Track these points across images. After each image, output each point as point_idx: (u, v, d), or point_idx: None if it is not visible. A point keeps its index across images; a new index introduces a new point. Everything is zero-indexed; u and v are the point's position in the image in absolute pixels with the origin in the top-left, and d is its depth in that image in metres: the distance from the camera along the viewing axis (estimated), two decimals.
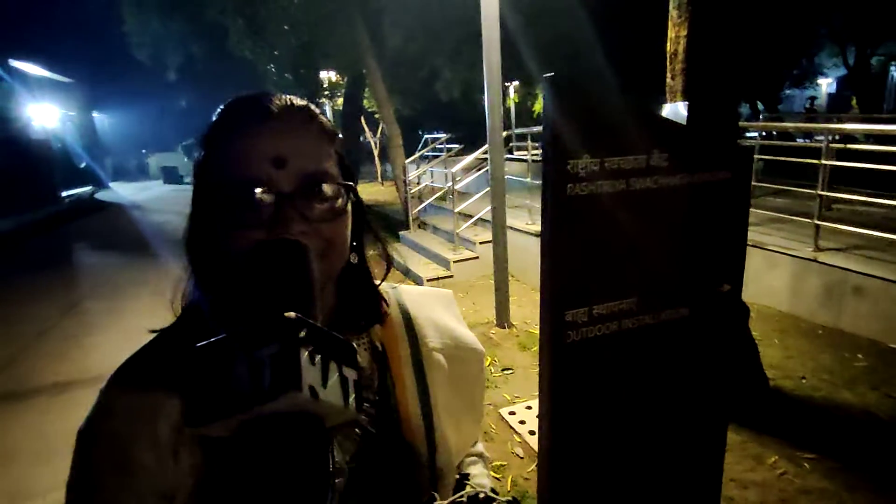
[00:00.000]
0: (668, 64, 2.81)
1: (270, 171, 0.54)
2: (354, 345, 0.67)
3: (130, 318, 5.42)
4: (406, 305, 0.76)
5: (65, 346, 4.81)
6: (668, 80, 2.80)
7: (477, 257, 5.99)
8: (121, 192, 20.21)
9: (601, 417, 1.17)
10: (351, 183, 0.61)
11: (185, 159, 26.43)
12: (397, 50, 12.19)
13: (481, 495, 0.64)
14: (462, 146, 8.96)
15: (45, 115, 16.96)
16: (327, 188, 0.58)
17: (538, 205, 5.69)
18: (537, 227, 5.55)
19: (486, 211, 6.06)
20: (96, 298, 6.33)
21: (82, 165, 20.01)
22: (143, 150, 30.10)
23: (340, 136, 0.63)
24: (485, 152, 6.08)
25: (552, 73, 0.96)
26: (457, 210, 6.12)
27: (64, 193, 16.21)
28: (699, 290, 1.20)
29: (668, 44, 2.77)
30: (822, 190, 4.23)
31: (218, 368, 0.39)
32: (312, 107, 0.61)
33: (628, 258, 1.12)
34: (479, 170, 7.29)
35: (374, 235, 0.71)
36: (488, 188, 6.37)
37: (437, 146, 9.96)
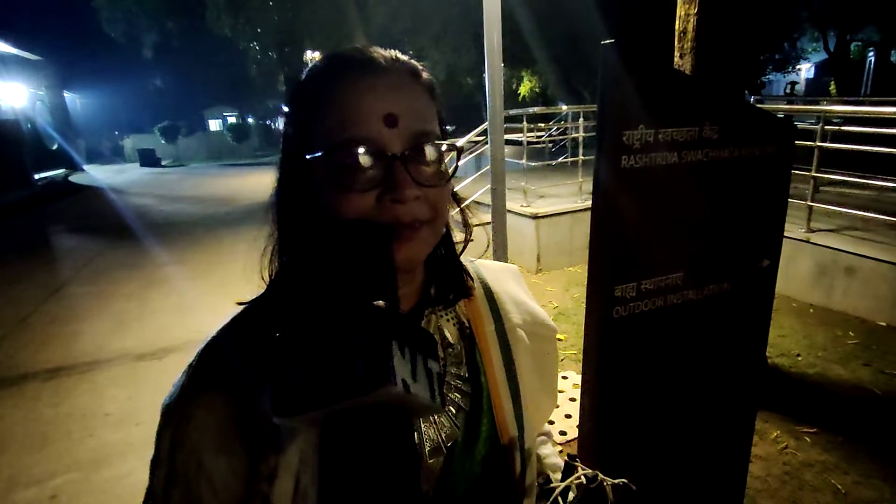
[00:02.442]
0: (676, 43, 2.78)
1: (382, 129, 0.51)
2: (444, 320, 0.66)
3: (117, 303, 5.30)
4: (486, 279, 0.73)
5: (50, 332, 4.66)
6: (676, 59, 2.78)
7: (471, 240, 5.97)
8: (96, 175, 19.57)
9: (642, 391, 1.17)
10: (460, 145, 0.57)
11: (163, 141, 25.74)
12: (383, 30, 11.97)
13: (598, 478, 0.63)
14: (454, 128, 8.86)
15: (14, 94, 16.27)
16: (437, 150, 0.54)
17: (534, 187, 5.65)
18: (533, 210, 5.55)
19: (479, 193, 6.03)
20: (79, 283, 6.14)
21: (54, 147, 19.32)
22: (117, 132, 29.19)
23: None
24: (478, 135, 6.02)
25: (612, 40, 0.93)
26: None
27: (36, 176, 15.64)
28: (740, 265, 1.20)
29: (677, 21, 2.74)
30: (815, 172, 4.29)
31: (307, 357, 0.37)
32: (415, 63, 0.57)
33: (676, 232, 1.10)
34: (472, 153, 7.23)
35: (457, 203, 0.67)
36: (480, 171, 6.34)
37: None
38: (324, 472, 0.50)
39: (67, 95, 24.78)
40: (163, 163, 23.62)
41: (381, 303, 0.41)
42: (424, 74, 0.57)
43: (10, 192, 13.14)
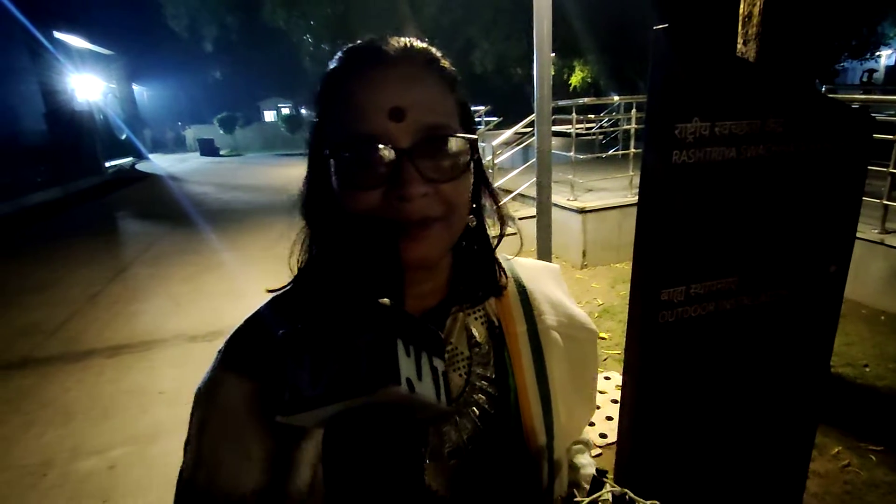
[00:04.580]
0: (740, 28, 2.61)
1: (387, 124, 0.49)
2: (472, 318, 0.63)
3: (175, 285, 5.58)
4: (521, 278, 0.70)
5: (114, 311, 4.97)
6: (740, 45, 2.61)
7: (515, 233, 5.87)
8: (159, 163, 20.68)
9: (688, 401, 1.10)
10: (475, 136, 0.54)
11: (221, 132, 26.87)
12: (433, 20, 11.94)
13: (627, 497, 0.58)
14: (501, 118, 8.75)
15: (88, 86, 17.36)
16: (450, 144, 0.51)
17: (582, 180, 5.50)
18: (580, 204, 5.41)
19: (525, 186, 5.92)
20: (141, 265, 6.52)
21: (123, 137, 20.56)
22: (180, 123, 30.68)
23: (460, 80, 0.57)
24: (526, 126, 5.90)
25: (664, 26, 0.86)
26: (497, 185, 5.99)
27: (107, 164, 16.70)
28: (804, 270, 1.10)
29: (742, 5, 2.57)
30: (893, 168, 3.94)
31: (310, 356, 0.37)
32: (434, 50, 0.55)
33: (732, 233, 1.02)
34: (519, 144, 7.11)
35: (492, 197, 0.64)
36: (528, 163, 6.21)
37: (475, 119, 9.79)
38: (327, 471, 0.51)
39: (135, 88, 26.28)
40: (221, 152, 24.68)
41: (385, 300, 0.40)
42: (442, 63, 0.55)
43: (84, 178, 14.12)
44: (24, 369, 3.85)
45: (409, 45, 0.53)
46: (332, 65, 0.55)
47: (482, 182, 0.61)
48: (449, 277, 0.62)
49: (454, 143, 0.52)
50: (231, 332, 0.58)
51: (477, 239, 0.63)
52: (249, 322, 0.59)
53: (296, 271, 0.60)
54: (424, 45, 0.55)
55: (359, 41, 0.55)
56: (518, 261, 0.73)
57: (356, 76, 0.51)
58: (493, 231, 0.67)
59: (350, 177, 0.50)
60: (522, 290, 0.68)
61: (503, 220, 0.65)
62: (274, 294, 0.61)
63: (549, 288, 0.72)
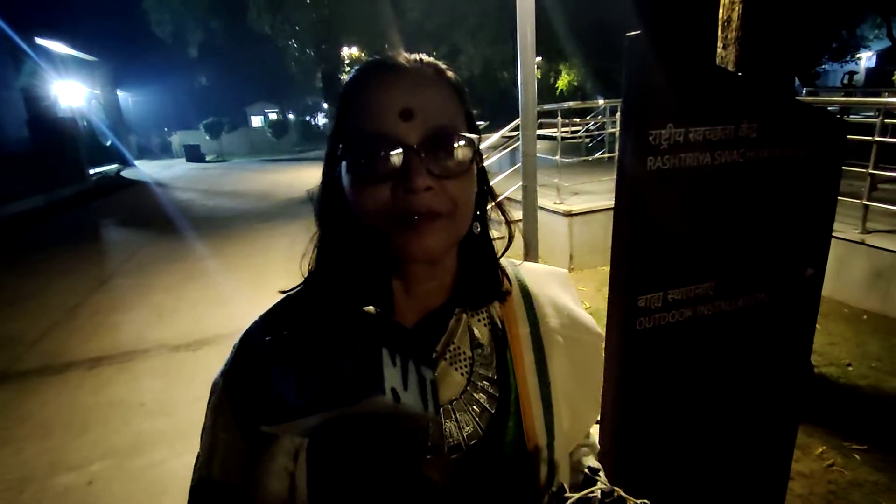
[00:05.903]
0: (719, 32, 2.63)
1: (398, 123, 0.53)
2: (475, 320, 0.65)
3: (158, 296, 5.49)
4: (525, 282, 0.71)
5: (95, 322, 4.87)
6: (720, 49, 2.63)
7: (502, 237, 5.89)
8: (145, 169, 20.45)
9: (668, 407, 1.09)
10: (475, 136, 0.57)
11: (207, 137, 26.66)
12: (417, 25, 11.96)
13: (616, 494, 0.58)
14: (488, 122, 8.78)
15: (72, 93, 17.13)
16: (454, 143, 0.55)
17: (568, 183, 5.51)
18: (566, 207, 5.42)
19: (512, 190, 5.93)
20: (124, 275, 6.41)
21: (108, 143, 20.30)
22: (166, 129, 30.38)
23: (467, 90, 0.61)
24: (512, 130, 5.92)
25: (637, 33, 0.85)
26: None
27: (91, 171, 16.47)
28: (780, 274, 1.10)
29: (721, 10, 2.59)
30: (872, 168, 4.00)
31: (294, 365, 0.36)
32: (440, 63, 0.60)
33: (708, 239, 1.02)
34: (505, 148, 7.13)
35: (497, 206, 0.67)
36: (514, 167, 6.23)
37: None
38: (311, 480, 0.52)
39: (120, 94, 25.96)
40: (207, 158, 24.44)
41: (371, 308, 0.39)
42: (449, 73, 0.59)
43: (68, 186, 13.90)
44: (3, 383, 3.76)
45: (419, 58, 0.59)
46: (349, 78, 0.59)
47: (487, 194, 0.64)
48: (454, 279, 0.64)
49: (458, 143, 0.55)
50: (249, 326, 0.63)
51: (481, 245, 0.64)
52: (260, 320, 0.63)
53: (306, 273, 0.63)
54: (432, 59, 0.60)
55: (373, 57, 0.60)
56: (525, 265, 0.75)
57: (371, 83, 0.55)
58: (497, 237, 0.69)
59: (362, 171, 0.54)
60: (526, 294, 0.69)
61: (510, 227, 0.67)
62: (285, 295, 0.64)
63: (555, 292, 0.73)
